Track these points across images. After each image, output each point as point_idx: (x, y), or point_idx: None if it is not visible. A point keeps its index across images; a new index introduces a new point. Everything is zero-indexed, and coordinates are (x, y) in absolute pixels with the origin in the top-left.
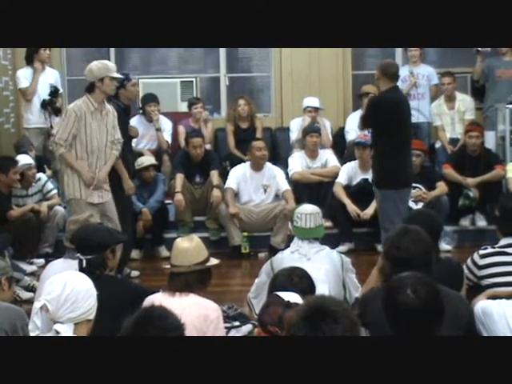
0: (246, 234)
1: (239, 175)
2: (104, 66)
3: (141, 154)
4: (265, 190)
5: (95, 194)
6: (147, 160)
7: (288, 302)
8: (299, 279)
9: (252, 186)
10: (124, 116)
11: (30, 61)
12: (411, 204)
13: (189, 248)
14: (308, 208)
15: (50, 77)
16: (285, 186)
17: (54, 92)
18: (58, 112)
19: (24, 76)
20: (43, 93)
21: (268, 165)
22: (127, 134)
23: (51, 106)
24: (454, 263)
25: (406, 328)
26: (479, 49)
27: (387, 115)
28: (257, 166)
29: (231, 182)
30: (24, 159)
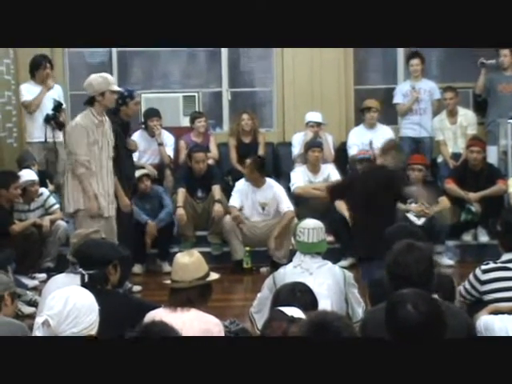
0: (248, 248)
1: (241, 190)
2: (104, 79)
3: (143, 168)
4: (263, 208)
5: (106, 208)
6: (138, 172)
7: (291, 316)
8: (302, 294)
9: (250, 202)
10: (123, 131)
11: (33, 75)
12: (413, 219)
13: (189, 263)
14: (311, 223)
15: (53, 92)
16: (287, 206)
17: (58, 107)
18: (61, 127)
19: (27, 90)
20: (46, 107)
21: (269, 182)
22: (126, 149)
23: (55, 120)
24: (444, 277)
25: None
26: (484, 61)
27: None
28: (256, 184)
29: (234, 200)
30: (27, 175)
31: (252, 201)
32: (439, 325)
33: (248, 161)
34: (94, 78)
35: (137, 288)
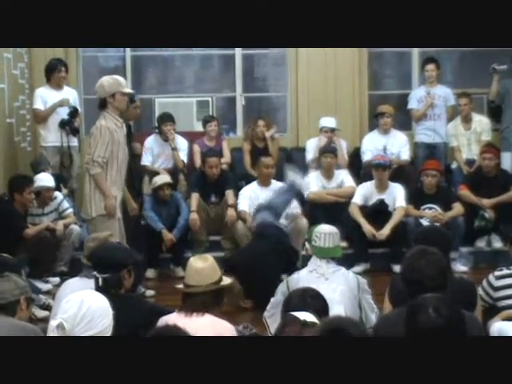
0: None
1: (248, 195)
2: (115, 81)
3: (157, 173)
4: None
5: (118, 209)
6: (161, 179)
7: (304, 320)
8: (312, 299)
9: (259, 201)
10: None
11: (48, 79)
12: (427, 224)
13: (204, 268)
14: (327, 228)
15: (68, 96)
16: (294, 207)
17: (74, 112)
18: (75, 132)
19: (41, 96)
20: (61, 112)
21: (275, 182)
22: (132, 153)
23: (69, 126)
24: (467, 283)
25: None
26: (496, 67)
27: None
28: (264, 182)
29: (242, 204)
30: (44, 179)
31: (262, 199)
32: (459, 330)
33: (263, 159)
34: (105, 79)
35: (150, 292)
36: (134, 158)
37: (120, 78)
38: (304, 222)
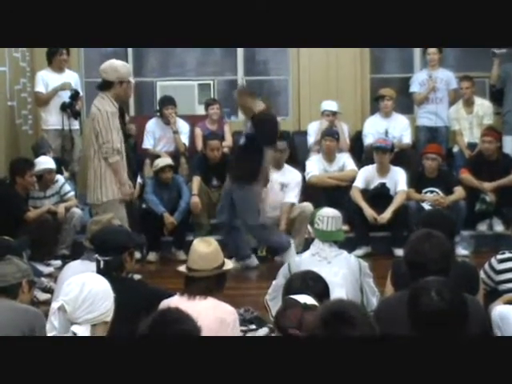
0: None
1: None
2: (128, 69)
3: (158, 157)
4: (281, 188)
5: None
6: (162, 161)
7: (305, 303)
8: (314, 282)
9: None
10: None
11: (50, 62)
12: (428, 208)
13: (209, 252)
14: (329, 211)
15: (69, 80)
16: (294, 195)
17: (75, 95)
18: (76, 115)
19: (42, 79)
20: (63, 95)
21: (288, 167)
22: (125, 134)
23: (71, 109)
24: (469, 266)
25: (428, 332)
26: (496, 51)
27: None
28: (277, 166)
29: None
30: (45, 162)
31: (271, 181)
32: (462, 313)
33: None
34: (120, 63)
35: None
36: (129, 138)
37: (129, 67)
38: (309, 207)
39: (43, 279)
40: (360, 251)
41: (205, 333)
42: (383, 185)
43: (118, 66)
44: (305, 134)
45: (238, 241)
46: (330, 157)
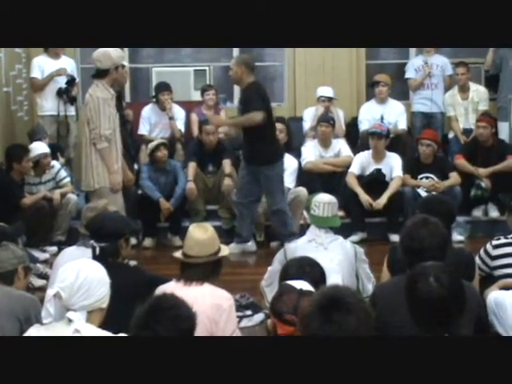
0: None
1: None
2: (121, 53)
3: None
4: None
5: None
6: (156, 141)
7: (301, 289)
8: (311, 268)
9: None
10: (118, 101)
11: (45, 48)
12: (424, 194)
13: (205, 238)
14: (325, 197)
15: (65, 65)
16: (288, 181)
17: (71, 81)
18: (72, 101)
19: (38, 65)
20: (58, 81)
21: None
22: (123, 120)
23: (67, 94)
24: (465, 253)
25: (426, 317)
26: None
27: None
28: None
29: None
30: (40, 147)
31: None
32: (459, 299)
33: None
34: (112, 50)
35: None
36: (126, 124)
37: (121, 51)
38: (304, 192)
39: (39, 265)
40: (356, 237)
41: (201, 318)
42: (379, 170)
43: (109, 52)
44: (300, 119)
45: (246, 221)
46: (325, 143)
